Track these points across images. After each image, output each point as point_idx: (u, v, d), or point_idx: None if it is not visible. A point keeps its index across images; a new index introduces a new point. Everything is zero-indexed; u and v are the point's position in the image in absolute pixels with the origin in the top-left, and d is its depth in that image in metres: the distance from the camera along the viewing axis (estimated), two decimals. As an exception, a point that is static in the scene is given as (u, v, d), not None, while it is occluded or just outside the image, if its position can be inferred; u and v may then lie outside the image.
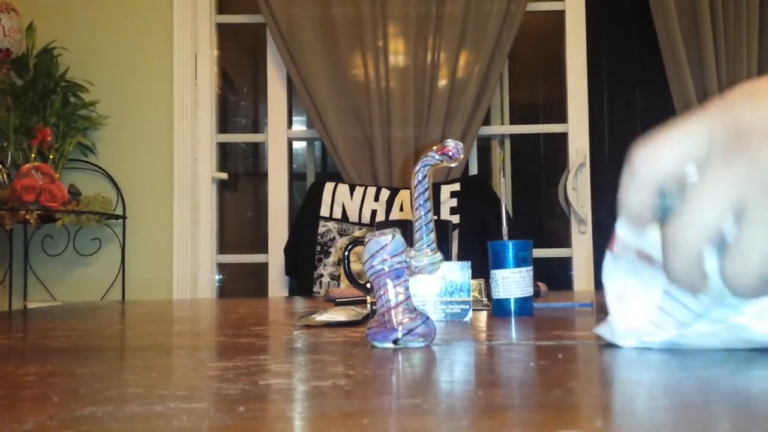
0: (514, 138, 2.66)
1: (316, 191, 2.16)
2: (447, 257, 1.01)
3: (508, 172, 2.72)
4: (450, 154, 0.55)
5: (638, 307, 0.46)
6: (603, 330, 0.50)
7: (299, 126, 2.80)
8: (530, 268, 0.87)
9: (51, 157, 2.24)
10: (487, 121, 2.53)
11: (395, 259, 0.55)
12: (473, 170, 2.49)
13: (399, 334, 0.54)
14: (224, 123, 2.71)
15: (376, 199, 2.11)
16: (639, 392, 0.35)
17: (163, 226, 2.37)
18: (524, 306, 0.86)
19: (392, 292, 0.55)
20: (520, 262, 0.86)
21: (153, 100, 2.41)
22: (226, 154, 2.69)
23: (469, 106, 2.29)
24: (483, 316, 0.88)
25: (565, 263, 2.45)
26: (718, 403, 0.31)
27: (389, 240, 0.55)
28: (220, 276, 2.55)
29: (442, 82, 2.32)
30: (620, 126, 2.83)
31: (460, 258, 1.88)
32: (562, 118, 2.46)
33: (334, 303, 1.17)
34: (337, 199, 2.13)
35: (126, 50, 2.43)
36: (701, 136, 0.38)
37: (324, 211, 2.12)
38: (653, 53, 2.37)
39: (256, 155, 2.89)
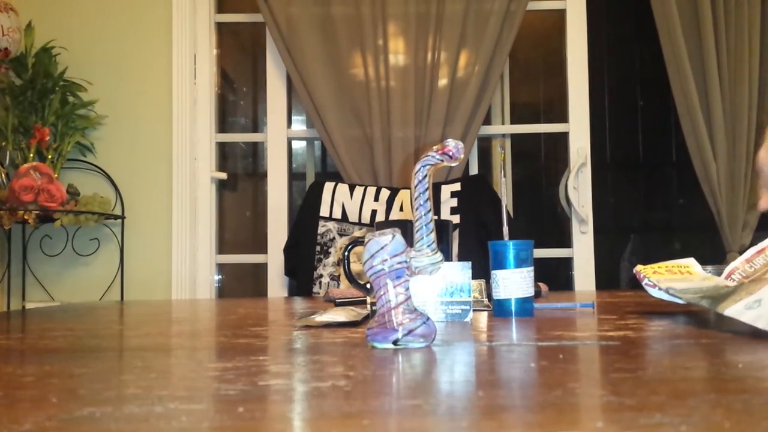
0: (515, 138, 2.66)
1: (316, 191, 2.15)
2: (447, 257, 1.00)
3: (509, 171, 2.72)
4: (450, 153, 0.55)
5: None
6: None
7: (299, 125, 2.80)
8: (531, 268, 0.87)
9: (49, 156, 2.24)
10: (487, 121, 2.52)
11: (395, 260, 0.55)
12: (474, 170, 2.49)
13: (399, 335, 0.53)
14: (223, 122, 2.71)
15: (376, 199, 2.11)
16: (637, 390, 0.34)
17: (162, 226, 2.37)
18: (525, 306, 0.86)
19: (392, 293, 0.54)
20: (520, 263, 0.86)
21: (152, 100, 2.41)
22: (225, 153, 2.69)
23: (470, 105, 2.29)
24: (483, 316, 0.88)
25: (566, 263, 2.45)
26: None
27: (389, 240, 0.55)
28: (220, 276, 2.55)
29: (443, 82, 2.32)
30: (621, 125, 2.82)
31: (461, 258, 1.88)
32: (563, 117, 2.45)
33: (334, 303, 1.17)
34: (336, 199, 2.12)
35: (125, 49, 2.42)
36: None
37: (324, 211, 2.11)
38: (654, 52, 2.37)
39: (256, 155, 2.89)
